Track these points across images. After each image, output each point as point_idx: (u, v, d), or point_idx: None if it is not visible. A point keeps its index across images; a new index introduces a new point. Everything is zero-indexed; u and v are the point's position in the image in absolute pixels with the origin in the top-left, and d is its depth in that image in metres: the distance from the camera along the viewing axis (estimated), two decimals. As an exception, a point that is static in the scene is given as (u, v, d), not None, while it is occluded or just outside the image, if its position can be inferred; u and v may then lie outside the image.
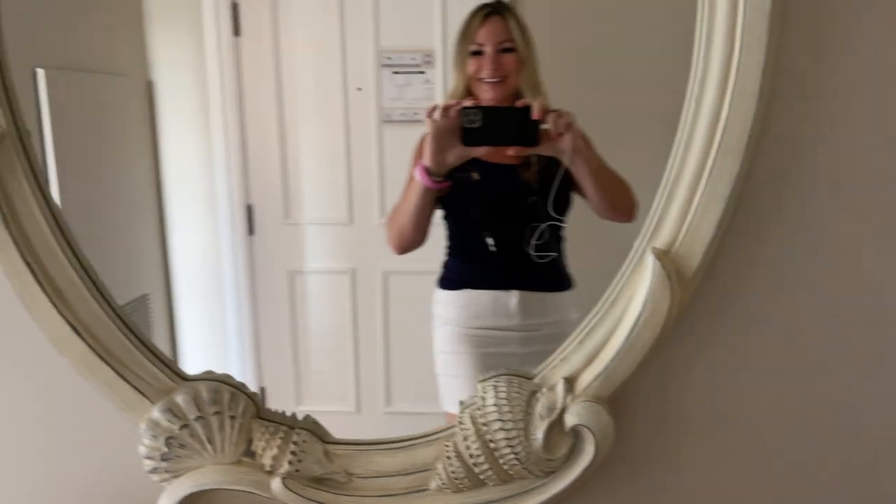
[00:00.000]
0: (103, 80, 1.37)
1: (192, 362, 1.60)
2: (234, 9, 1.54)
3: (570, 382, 0.74)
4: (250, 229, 1.63)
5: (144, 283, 1.50)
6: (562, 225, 1.19)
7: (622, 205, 1.11)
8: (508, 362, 1.22)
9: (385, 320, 1.60)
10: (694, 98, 0.68)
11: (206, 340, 1.63)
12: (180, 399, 0.70)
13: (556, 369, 0.75)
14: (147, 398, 0.70)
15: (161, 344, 1.53)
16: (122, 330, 0.70)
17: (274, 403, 1.66)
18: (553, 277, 1.26)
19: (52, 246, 0.67)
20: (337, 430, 1.66)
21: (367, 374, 1.63)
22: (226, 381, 0.74)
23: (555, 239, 1.22)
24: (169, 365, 0.72)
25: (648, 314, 0.70)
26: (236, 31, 1.55)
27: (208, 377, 0.73)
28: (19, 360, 0.81)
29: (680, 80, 0.72)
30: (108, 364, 0.67)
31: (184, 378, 0.73)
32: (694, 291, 0.73)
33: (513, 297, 1.25)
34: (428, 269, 1.52)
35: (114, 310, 0.71)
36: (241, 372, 1.63)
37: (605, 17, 1.36)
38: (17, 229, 0.65)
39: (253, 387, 1.65)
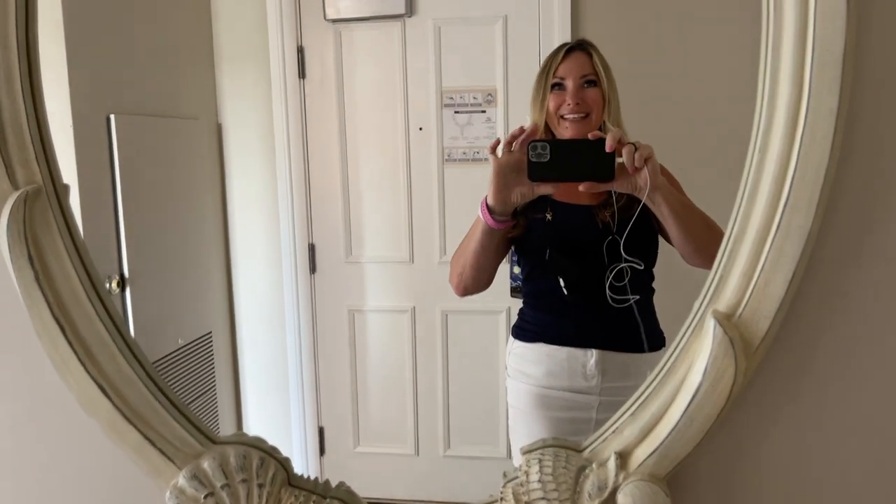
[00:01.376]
0: (174, 124, 1.41)
1: (252, 401, 1.61)
2: (300, 52, 1.57)
3: (623, 458, 0.67)
4: (312, 268, 1.64)
5: (209, 322, 1.52)
6: (641, 269, 1.11)
7: (711, 250, 0.99)
8: (584, 429, 1.15)
9: (444, 361, 1.58)
10: (758, 147, 0.61)
11: (268, 378, 1.64)
12: (206, 465, 0.68)
13: (607, 442, 0.69)
14: (174, 463, 0.68)
15: (223, 382, 1.54)
16: (152, 390, 0.69)
17: (332, 444, 1.67)
18: (638, 335, 1.16)
19: (84, 303, 0.66)
20: (395, 474, 1.64)
21: (426, 416, 1.61)
22: (256, 444, 0.71)
23: (638, 287, 1.14)
24: (198, 426, 0.70)
25: (710, 385, 0.63)
26: (302, 73, 1.58)
27: (238, 440, 0.70)
28: (47, 421, 0.81)
29: (744, 125, 0.66)
30: (135, 427, 0.66)
31: (213, 441, 0.70)
32: (761, 360, 0.65)
33: (591, 356, 1.17)
34: (488, 309, 1.49)
35: (144, 368, 0.69)
36: (300, 411, 1.64)
37: (664, 58, 1.32)
38: (49, 286, 0.65)
39: (312, 426, 1.68)
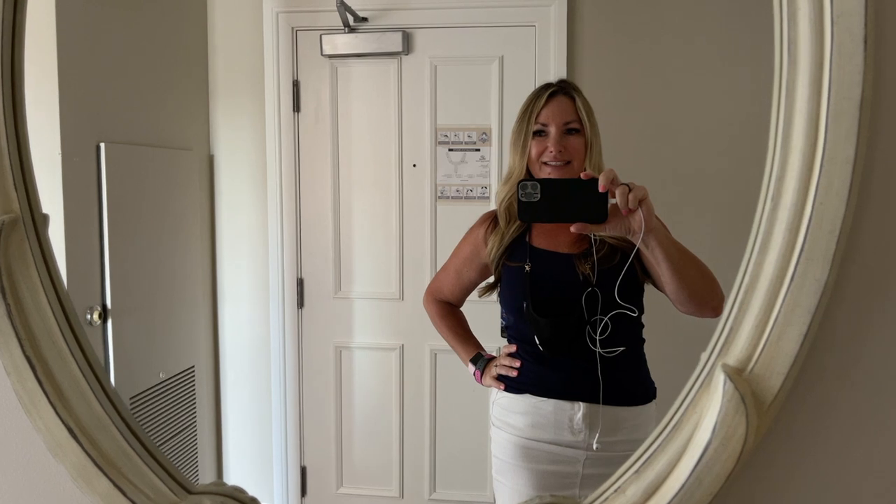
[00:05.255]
0: (165, 154, 1.39)
1: (234, 438, 1.56)
2: (296, 86, 1.57)
3: (625, 519, 0.63)
4: (300, 303, 1.61)
5: (192, 356, 1.49)
6: (632, 316, 1.07)
7: (705, 295, 0.98)
8: (570, 483, 1.12)
9: (432, 400, 1.55)
10: (770, 195, 0.59)
11: (250, 415, 1.60)
12: (181, 518, 0.63)
13: (609, 501, 0.65)
14: (145, 515, 0.63)
15: (204, 418, 1.50)
16: (126, 434, 0.64)
17: (315, 485, 1.63)
18: (628, 387, 1.14)
19: (57, 340, 0.63)
20: (379, 517, 1.59)
21: (412, 457, 1.58)
22: (234, 495, 0.66)
23: (626, 337, 1.11)
24: (173, 475, 0.66)
25: (719, 444, 0.60)
26: (296, 107, 1.58)
27: (216, 490, 0.66)
28: (10, 463, 0.76)
29: (750, 165, 0.64)
30: (105, 474, 0.61)
31: (189, 490, 0.66)
32: (774, 418, 0.62)
33: (578, 410, 1.13)
34: (479, 349, 1.46)
35: (119, 411, 0.65)
36: (282, 449, 1.59)
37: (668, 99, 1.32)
38: (21, 321, 0.61)
39: (294, 466, 1.63)
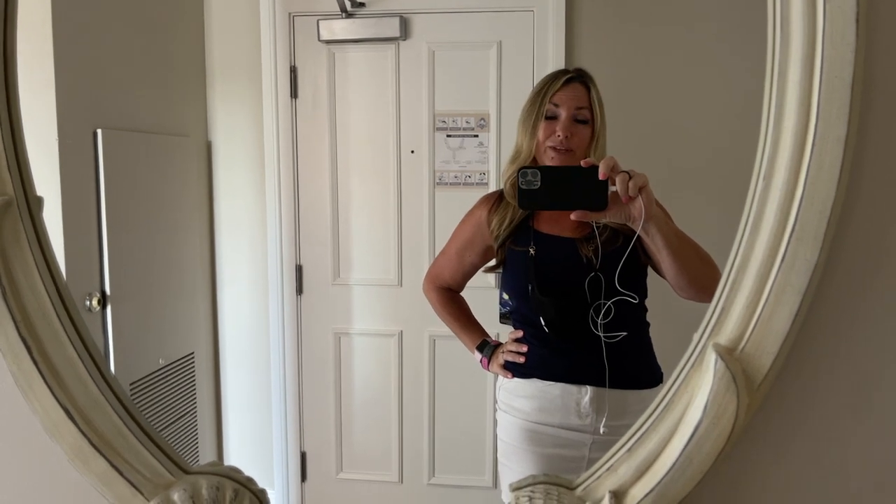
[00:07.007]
0: (163, 141, 1.39)
1: (234, 424, 1.57)
2: (293, 72, 1.56)
3: (617, 497, 0.64)
4: (299, 289, 1.61)
5: (191, 342, 1.49)
6: (633, 302, 1.08)
7: (705, 281, 0.97)
8: (576, 467, 1.12)
9: (431, 386, 1.56)
10: (762, 175, 0.59)
11: (250, 401, 1.61)
12: (177, 496, 0.64)
13: (601, 480, 0.66)
14: (142, 494, 0.64)
15: (204, 404, 1.51)
16: (122, 415, 0.65)
17: (315, 470, 1.63)
18: (634, 371, 1.14)
19: (53, 321, 0.63)
20: (378, 502, 1.60)
21: (411, 443, 1.59)
22: (231, 475, 0.67)
23: (629, 322, 1.11)
24: (170, 455, 0.67)
25: (710, 423, 0.60)
26: (294, 93, 1.57)
27: (212, 470, 0.67)
28: (6, 444, 0.76)
29: (747, 152, 0.64)
30: (101, 454, 0.62)
31: (185, 471, 0.66)
32: (764, 397, 0.62)
33: (585, 393, 1.14)
34: (478, 336, 1.46)
35: (115, 392, 0.66)
36: (282, 435, 1.60)
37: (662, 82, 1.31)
38: (16, 302, 0.61)
39: (294, 451, 1.64)
